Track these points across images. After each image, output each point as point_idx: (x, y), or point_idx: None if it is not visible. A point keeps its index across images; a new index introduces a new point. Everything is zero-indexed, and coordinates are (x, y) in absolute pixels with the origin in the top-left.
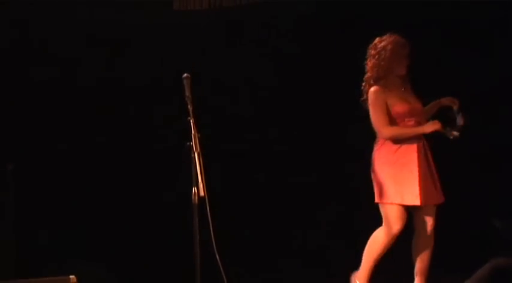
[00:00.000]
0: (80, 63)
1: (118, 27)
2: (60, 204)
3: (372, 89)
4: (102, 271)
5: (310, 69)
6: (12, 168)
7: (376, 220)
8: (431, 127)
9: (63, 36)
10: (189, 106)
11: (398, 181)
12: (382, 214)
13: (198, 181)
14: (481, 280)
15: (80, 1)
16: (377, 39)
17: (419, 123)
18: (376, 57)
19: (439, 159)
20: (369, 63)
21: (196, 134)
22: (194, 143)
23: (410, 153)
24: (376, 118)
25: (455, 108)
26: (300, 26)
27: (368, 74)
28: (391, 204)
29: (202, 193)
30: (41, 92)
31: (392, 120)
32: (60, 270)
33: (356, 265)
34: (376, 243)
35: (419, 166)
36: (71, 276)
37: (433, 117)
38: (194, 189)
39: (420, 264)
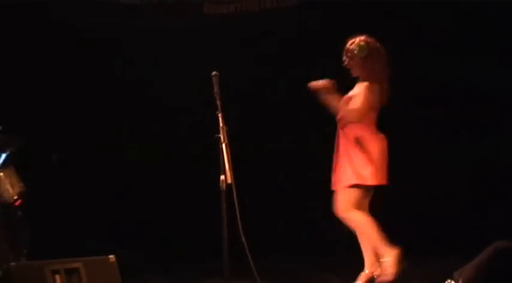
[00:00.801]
0: (124, 61)
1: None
2: (100, 188)
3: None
4: (138, 252)
5: (332, 70)
6: (57, 158)
7: None
8: None
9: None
10: (217, 101)
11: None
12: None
13: (225, 170)
14: (484, 262)
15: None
16: (370, 39)
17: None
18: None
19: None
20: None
21: (224, 127)
22: (222, 135)
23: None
24: (364, 106)
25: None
26: (323, 29)
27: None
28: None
29: (229, 181)
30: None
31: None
32: (100, 251)
33: None
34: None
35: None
36: (110, 256)
37: None
38: (222, 177)
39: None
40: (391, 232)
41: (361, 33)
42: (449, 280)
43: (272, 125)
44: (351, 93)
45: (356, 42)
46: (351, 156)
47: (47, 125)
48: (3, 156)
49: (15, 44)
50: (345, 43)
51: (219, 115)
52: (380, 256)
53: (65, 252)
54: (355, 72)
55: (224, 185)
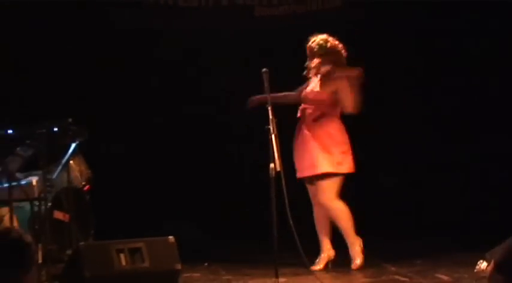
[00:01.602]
0: (184, 59)
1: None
2: (159, 173)
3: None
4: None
5: (376, 66)
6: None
7: None
8: None
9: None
10: (267, 96)
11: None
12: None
13: (274, 158)
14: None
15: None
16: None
17: None
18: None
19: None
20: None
21: (274, 119)
22: (272, 127)
23: None
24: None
25: None
26: (367, 28)
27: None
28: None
29: (278, 168)
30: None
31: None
32: (159, 231)
33: None
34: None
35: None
36: (170, 237)
37: None
38: (271, 165)
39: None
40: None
41: (402, 32)
42: (481, 261)
43: None
44: (309, 89)
45: (316, 41)
46: (330, 146)
47: (113, 117)
48: (73, 145)
49: (77, 43)
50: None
51: (269, 108)
52: (351, 244)
53: (128, 232)
54: (313, 70)
55: (273, 172)
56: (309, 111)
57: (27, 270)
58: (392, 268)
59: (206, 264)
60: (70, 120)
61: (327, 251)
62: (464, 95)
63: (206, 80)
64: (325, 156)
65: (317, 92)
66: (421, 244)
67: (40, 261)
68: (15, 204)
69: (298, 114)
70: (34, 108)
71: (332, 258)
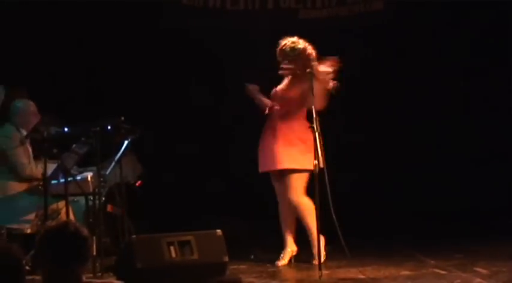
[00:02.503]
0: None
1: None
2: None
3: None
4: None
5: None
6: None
7: None
8: None
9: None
10: (311, 95)
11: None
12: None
13: (318, 155)
14: None
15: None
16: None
17: None
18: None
19: None
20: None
21: (317, 117)
22: (315, 125)
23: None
24: None
25: None
26: (408, 29)
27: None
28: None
29: (321, 165)
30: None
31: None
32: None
33: None
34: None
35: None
36: (218, 230)
37: None
38: (315, 161)
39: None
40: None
41: (446, 33)
42: None
43: (357, 118)
44: (279, 87)
45: (288, 43)
46: (293, 142)
47: (161, 115)
48: (126, 142)
49: (131, 43)
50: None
51: (313, 107)
52: (314, 241)
53: (178, 225)
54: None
55: (317, 169)
56: (276, 107)
57: (84, 263)
58: (432, 262)
59: (252, 256)
60: (122, 118)
61: (291, 246)
62: None
63: (250, 81)
64: (288, 153)
65: (285, 89)
66: (460, 238)
67: (94, 253)
68: (71, 198)
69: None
70: (89, 108)
71: (295, 253)
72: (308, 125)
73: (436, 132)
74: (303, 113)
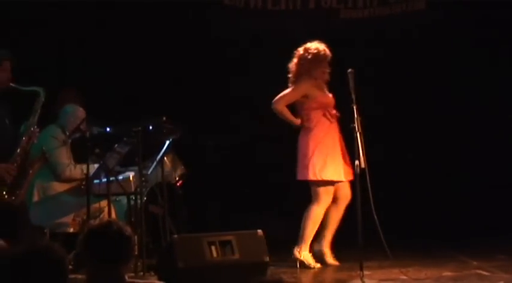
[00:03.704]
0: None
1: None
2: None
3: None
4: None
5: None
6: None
7: None
8: None
9: None
10: (352, 95)
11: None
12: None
13: (359, 156)
14: None
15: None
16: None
17: None
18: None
19: None
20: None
21: (359, 118)
22: (357, 125)
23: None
24: None
25: None
26: (452, 29)
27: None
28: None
29: (363, 165)
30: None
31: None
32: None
33: None
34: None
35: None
36: (259, 230)
37: None
38: (356, 162)
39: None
40: None
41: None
42: None
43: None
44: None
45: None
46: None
47: (204, 115)
48: (167, 142)
49: (167, 43)
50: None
51: (354, 107)
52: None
53: (219, 225)
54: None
55: (358, 169)
56: (337, 114)
57: (127, 261)
58: (474, 263)
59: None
60: (164, 118)
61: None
62: None
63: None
64: (348, 162)
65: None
66: (503, 240)
67: (136, 252)
68: (113, 198)
69: (330, 117)
70: (131, 108)
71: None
72: None
73: (472, 132)
74: None
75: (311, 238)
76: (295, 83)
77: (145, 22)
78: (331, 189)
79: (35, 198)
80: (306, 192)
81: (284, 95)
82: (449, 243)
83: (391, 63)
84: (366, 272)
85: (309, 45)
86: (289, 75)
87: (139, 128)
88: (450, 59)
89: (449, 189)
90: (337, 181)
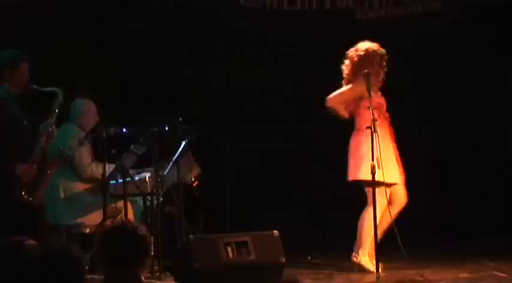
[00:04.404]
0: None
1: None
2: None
3: None
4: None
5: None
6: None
7: None
8: None
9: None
10: (368, 96)
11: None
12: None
13: (374, 157)
14: None
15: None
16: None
17: None
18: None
19: None
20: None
21: (375, 119)
22: (373, 126)
23: None
24: None
25: None
26: (469, 30)
27: None
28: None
29: (378, 167)
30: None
31: None
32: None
33: None
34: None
35: None
36: (275, 231)
37: None
38: (372, 163)
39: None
40: None
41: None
42: None
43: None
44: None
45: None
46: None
47: (222, 116)
48: (184, 143)
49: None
50: None
51: (370, 108)
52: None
53: (235, 226)
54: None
55: (374, 170)
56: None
57: (142, 262)
58: (491, 264)
59: (309, 257)
60: (180, 119)
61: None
62: None
63: (307, 80)
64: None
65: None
66: None
67: (152, 253)
68: (129, 198)
69: (383, 118)
70: (148, 108)
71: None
72: None
73: (494, 138)
74: None
75: (369, 242)
76: (351, 82)
77: (163, 21)
78: (385, 191)
79: (62, 195)
80: (321, 194)
81: (341, 93)
82: (467, 244)
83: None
84: (382, 273)
85: (360, 45)
86: (344, 75)
87: (156, 129)
88: (468, 59)
89: (467, 188)
90: (392, 184)
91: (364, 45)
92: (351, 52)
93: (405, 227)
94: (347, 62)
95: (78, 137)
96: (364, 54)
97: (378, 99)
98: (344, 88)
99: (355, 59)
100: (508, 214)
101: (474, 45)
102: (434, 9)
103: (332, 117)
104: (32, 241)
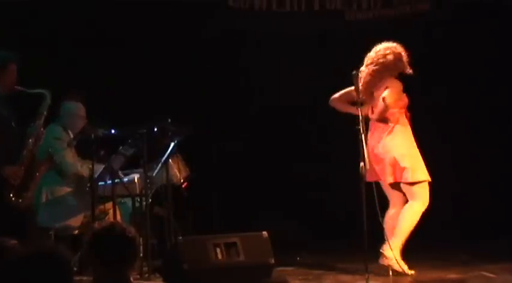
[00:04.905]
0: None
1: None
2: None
3: None
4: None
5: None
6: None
7: None
8: None
9: None
10: (357, 97)
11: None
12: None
13: (364, 157)
14: None
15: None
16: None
17: None
18: None
19: None
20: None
21: (363, 119)
22: (361, 127)
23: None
24: None
25: None
26: (456, 31)
27: None
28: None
29: (368, 167)
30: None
31: None
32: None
33: None
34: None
35: None
36: (263, 232)
37: None
38: (361, 164)
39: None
40: None
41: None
42: None
43: None
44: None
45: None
46: None
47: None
48: (172, 144)
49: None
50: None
51: (359, 109)
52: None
53: (224, 227)
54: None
55: (363, 171)
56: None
57: (132, 263)
58: (478, 264)
59: (298, 258)
60: (169, 120)
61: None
62: None
63: (296, 82)
64: None
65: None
66: (508, 241)
67: (141, 254)
68: (118, 199)
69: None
70: (136, 109)
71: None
72: None
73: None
74: None
75: (406, 237)
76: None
77: (150, 23)
78: (427, 187)
79: (43, 199)
80: (311, 194)
81: (341, 94)
82: (454, 244)
83: None
84: (371, 275)
85: (385, 46)
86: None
87: (145, 130)
88: (459, 58)
89: (456, 190)
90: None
91: (385, 46)
92: (382, 52)
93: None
94: (383, 60)
95: (63, 137)
96: (394, 54)
97: (406, 98)
98: (389, 90)
99: (375, 64)
100: (496, 217)
101: (466, 45)
102: (422, 10)
103: (322, 116)
104: (13, 241)
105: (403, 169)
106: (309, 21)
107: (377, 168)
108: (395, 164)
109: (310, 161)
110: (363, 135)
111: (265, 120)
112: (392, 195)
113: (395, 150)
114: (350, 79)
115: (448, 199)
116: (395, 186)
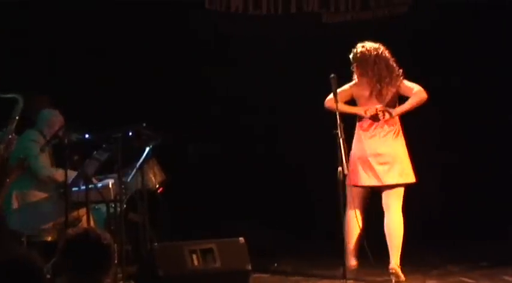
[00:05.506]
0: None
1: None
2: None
3: None
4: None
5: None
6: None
7: None
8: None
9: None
10: (335, 101)
11: None
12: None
13: (342, 162)
14: None
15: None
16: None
17: None
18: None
19: None
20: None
21: (341, 124)
22: (339, 131)
23: None
24: None
25: None
26: (435, 34)
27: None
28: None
29: (346, 172)
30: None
31: None
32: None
33: None
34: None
35: None
36: (240, 238)
37: None
38: (339, 168)
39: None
40: None
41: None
42: None
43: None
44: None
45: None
46: None
47: (185, 121)
48: (147, 149)
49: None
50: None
51: (337, 113)
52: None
53: (200, 233)
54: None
55: (341, 175)
56: None
57: (106, 270)
58: (457, 270)
59: (276, 264)
60: (144, 124)
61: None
62: None
63: (274, 85)
64: None
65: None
66: (488, 246)
67: (116, 261)
68: (92, 205)
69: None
70: (110, 114)
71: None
72: None
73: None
74: None
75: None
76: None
77: (124, 25)
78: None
79: (14, 205)
80: (292, 200)
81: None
82: (435, 250)
83: None
84: (349, 281)
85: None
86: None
87: (119, 135)
88: (438, 60)
89: (434, 194)
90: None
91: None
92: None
93: (376, 234)
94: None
95: (40, 141)
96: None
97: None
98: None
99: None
100: (475, 220)
101: (446, 47)
102: (401, 13)
103: (297, 118)
104: None
105: (409, 170)
106: (286, 23)
107: (379, 168)
108: (405, 164)
109: (286, 165)
110: (341, 140)
111: (233, 122)
112: (361, 198)
113: (404, 151)
114: (328, 82)
115: (429, 203)
116: (375, 188)
